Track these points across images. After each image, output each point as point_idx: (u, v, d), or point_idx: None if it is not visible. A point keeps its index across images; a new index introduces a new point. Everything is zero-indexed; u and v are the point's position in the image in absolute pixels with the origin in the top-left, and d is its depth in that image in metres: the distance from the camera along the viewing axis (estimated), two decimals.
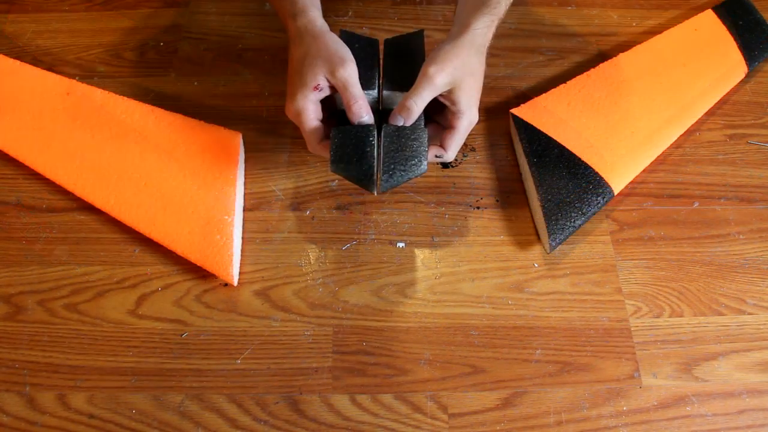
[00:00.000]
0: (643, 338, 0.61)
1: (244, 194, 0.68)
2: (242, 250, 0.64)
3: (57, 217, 0.66)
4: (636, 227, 0.67)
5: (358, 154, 0.55)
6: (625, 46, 0.79)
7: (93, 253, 0.64)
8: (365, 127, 0.56)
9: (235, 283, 0.62)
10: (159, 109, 0.71)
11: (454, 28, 0.59)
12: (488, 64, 0.78)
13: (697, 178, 0.71)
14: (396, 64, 0.62)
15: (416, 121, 0.57)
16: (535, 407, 0.57)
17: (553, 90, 0.73)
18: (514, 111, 0.71)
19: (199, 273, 0.63)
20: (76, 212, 0.66)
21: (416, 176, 0.55)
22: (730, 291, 0.63)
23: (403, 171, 0.54)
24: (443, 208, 0.68)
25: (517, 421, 0.56)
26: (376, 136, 0.56)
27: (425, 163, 0.55)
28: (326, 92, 0.57)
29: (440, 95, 0.57)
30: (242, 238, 0.65)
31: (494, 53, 0.79)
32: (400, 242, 0.65)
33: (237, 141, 0.68)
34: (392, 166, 0.54)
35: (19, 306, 0.61)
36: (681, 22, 0.81)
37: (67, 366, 0.58)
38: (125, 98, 0.72)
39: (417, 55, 0.62)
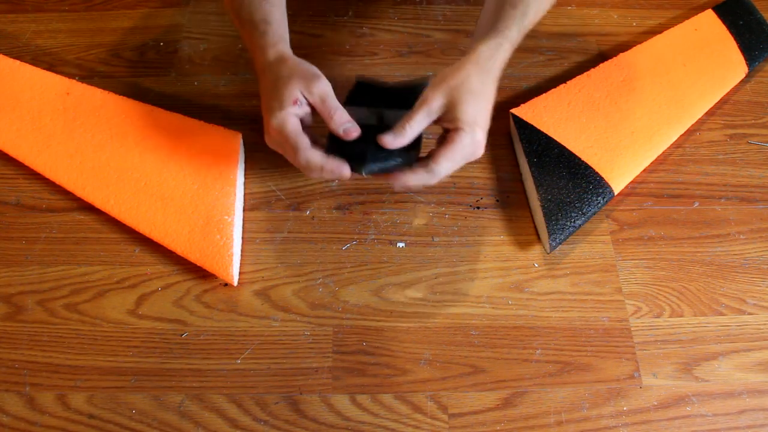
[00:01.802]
0: (643, 338, 0.60)
1: (244, 194, 0.68)
2: (242, 250, 0.64)
3: (57, 217, 0.66)
4: (636, 227, 0.67)
5: (351, 145, 0.55)
6: (625, 46, 0.79)
7: (93, 253, 0.64)
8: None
9: (235, 283, 0.62)
10: (159, 109, 0.71)
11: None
12: None
13: (697, 178, 0.71)
14: (397, 97, 0.59)
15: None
16: (535, 407, 0.57)
17: (553, 90, 0.73)
18: (514, 111, 0.71)
19: (199, 273, 0.63)
20: (76, 212, 0.66)
21: (400, 165, 0.54)
22: (731, 291, 0.63)
23: (386, 161, 0.54)
24: (443, 208, 0.68)
25: (517, 421, 0.56)
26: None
27: (412, 156, 0.54)
28: (305, 108, 0.56)
29: (444, 122, 0.54)
30: (242, 238, 0.65)
31: None
32: (400, 242, 0.65)
33: (237, 141, 0.68)
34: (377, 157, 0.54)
35: (19, 306, 0.61)
36: (681, 22, 0.81)
37: (67, 366, 0.58)
38: (125, 98, 0.72)
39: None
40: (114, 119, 0.70)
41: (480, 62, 0.55)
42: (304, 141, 0.54)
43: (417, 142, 0.56)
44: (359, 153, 0.54)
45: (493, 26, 0.57)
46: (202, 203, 0.64)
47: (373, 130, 0.55)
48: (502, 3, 0.58)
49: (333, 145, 0.56)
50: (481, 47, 0.56)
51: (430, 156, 0.54)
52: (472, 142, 0.53)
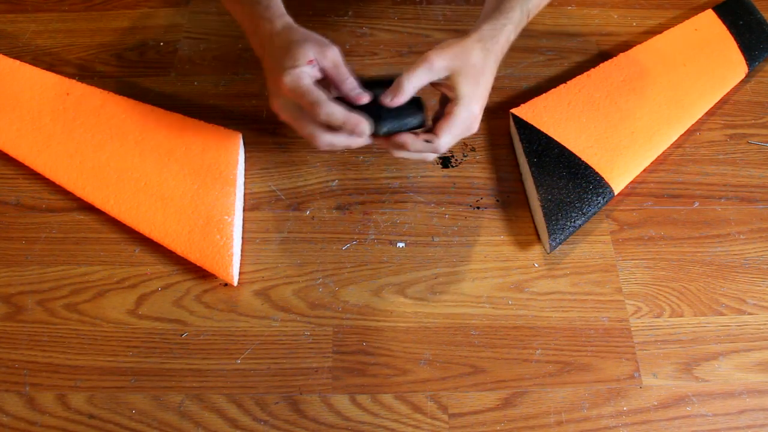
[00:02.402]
0: (643, 338, 0.60)
1: (244, 194, 0.68)
2: (242, 250, 0.64)
3: (57, 217, 0.66)
4: (636, 227, 0.67)
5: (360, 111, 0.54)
6: (625, 46, 0.79)
7: (93, 253, 0.64)
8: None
9: (235, 283, 0.62)
10: (159, 109, 0.71)
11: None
12: None
13: (697, 178, 0.71)
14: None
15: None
16: (535, 407, 0.57)
17: (553, 90, 0.73)
18: (514, 111, 0.71)
19: (199, 273, 0.63)
20: (76, 212, 0.66)
21: (413, 127, 0.55)
22: (731, 291, 0.63)
23: (400, 121, 0.55)
24: (443, 208, 0.68)
25: (517, 421, 0.56)
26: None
27: (421, 117, 0.55)
28: (316, 73, 0.55)
29: (440, 84, 0.56)
30: (242, 238, 0.65)
31: None
32: (400, 242, 0.65)
33: (237, 141, 0.68)
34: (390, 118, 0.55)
35: (19, 306, 0.61)
36: (681, 22, 0.81)
37: (66, 366, 0.58)
38: (125, 98, 0.72)
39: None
40: (114, 119, 0.70)
41: (483, 40, 0.56)
42: (323, 94, 0.52)
43: (420, 107, 0.56)
44: (374, 116, 0.54)
45: (497, 7, 0.58)
46: (202, 203, 0.64)
47: (371, 103, 0.55)
48: None
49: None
50: (484, 26, 0.57)
51: (432, 130, 0.56)
52: (469, 115, 0.55)
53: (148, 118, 0.70)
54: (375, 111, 0.55)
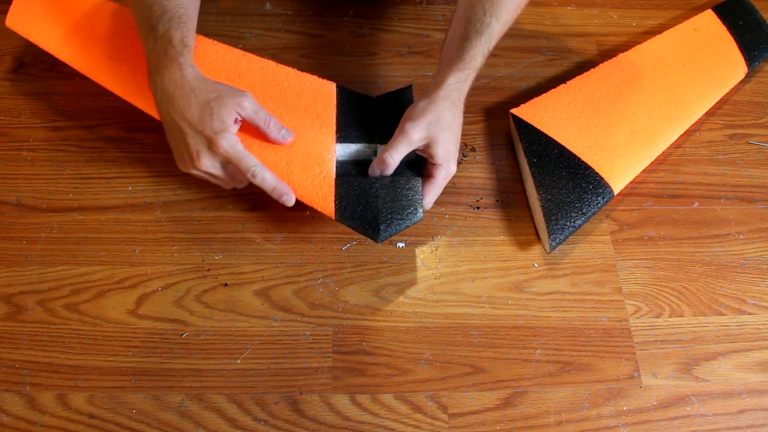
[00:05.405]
0: (643, 338, 0.61)
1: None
2: (241, 250, 0.64)
3: (57, 217, 0.66)
4: (636, 227, 0.67)
5: (363, 205, 0.58)
6: (625, 46, 0.79)
7: (93, 253, 0.64)
8: (368, 179, 0.59)
9: (335, 217, 0.60)
10: (250, 54, 0.69)
11: (432, 82, 0.61)
12: (488, 65, 0.78)
13: (697, 178, 0.71)
14: (388, 119, 0.64)
15: (410, 171, 0.60)
16: (535, 407, 0.57)
17: (553, 90, 0.73)
18: (514, 111, 0.71)
19: (200, 273, 0.63)
20: (76, 212, 0.66)
21: (413, 224, 0.58)
22: (730, 291, 0.63)
23: (401, 220, 0.58)
24: (443, 208, 0.68)
25: (517, 421, 0.56)
26: (377, 187, 0.59)
27: (421, 210, 0.58)
28: (238, 126, 0.58)
29: (419, 150, 0.59)
30: (243, 238, 0.65)
31: (494, 53, 0.78)
32: (400, 242, 0.65)
33: (332, 88, 0.67)
34: (390, 216, 0.58)
35: (20, 306, 0.61)
36: (681, 22, 0.81)
37: (67, 366, 0.58)
38: (214, 41, 0.69)
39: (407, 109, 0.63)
40: (204, 59, 0.67)
41: (450, 97, 0.59)
42: (255, 159, 0.57)
43: (417, 164, 0.61)
44: (371, 217, 0.58)
45: (459, 55, 0.61)
46: (300, 138, 0.62)
47: (363, 172, 0.61)
48: (467, 30, 0.61)
49: (343, 180, 0.60)
50: (449, 80, 0.60)
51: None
52: (448, 173, 0.60)
53: (239, 61, 0.68)
54: (366, 182, 0.59)
